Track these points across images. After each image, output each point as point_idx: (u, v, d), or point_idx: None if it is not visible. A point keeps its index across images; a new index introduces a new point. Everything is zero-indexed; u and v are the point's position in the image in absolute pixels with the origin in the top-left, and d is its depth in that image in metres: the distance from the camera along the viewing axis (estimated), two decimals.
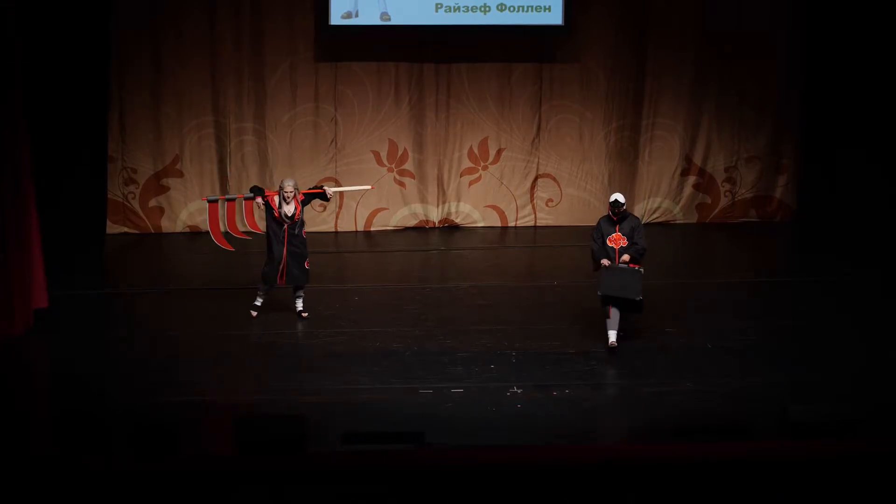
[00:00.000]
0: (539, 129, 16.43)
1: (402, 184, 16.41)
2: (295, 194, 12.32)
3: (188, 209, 16.08)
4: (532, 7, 15.67)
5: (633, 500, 7.67)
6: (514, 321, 12.73)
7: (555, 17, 15.73)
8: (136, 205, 16.00)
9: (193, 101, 15.84)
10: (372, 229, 16.46)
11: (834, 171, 16.30)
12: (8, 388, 10.99)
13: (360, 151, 16.24)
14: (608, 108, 16.40)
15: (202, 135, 15.97)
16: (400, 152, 16.31)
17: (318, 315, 12.77)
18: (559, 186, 16.62)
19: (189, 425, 9.66)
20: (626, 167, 16.59)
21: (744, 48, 16.29)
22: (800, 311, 13.12)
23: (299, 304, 12.66)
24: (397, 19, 15.61)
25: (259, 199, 12.37)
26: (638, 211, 16.66)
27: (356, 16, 15.54)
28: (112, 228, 16.00)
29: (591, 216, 16.53)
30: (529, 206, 16.67)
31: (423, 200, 16.50)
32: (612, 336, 11.65)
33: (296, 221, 12.33)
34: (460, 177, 16.49)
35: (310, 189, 12.87)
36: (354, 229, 16.44)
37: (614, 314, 11.67)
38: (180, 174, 16.04)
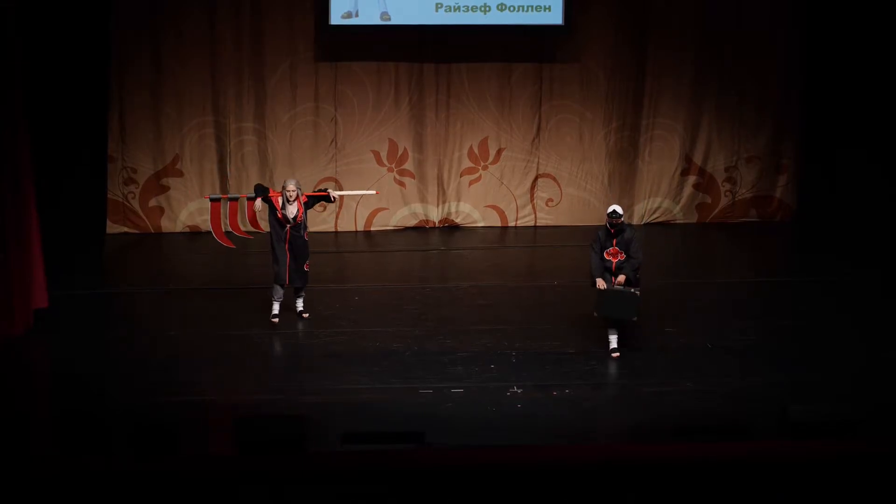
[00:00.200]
0: (539, 128, 16.43)
1: (402, 184, 16.41)
2: (298, 195, 12.23)
3: (188, 209, 16.08)
4: (532, 7, 15.67)
5: (633, 500, 7.67)
6: (514, 321, 12.73)
7: (555, 17, 15.73)
8: (135, 204, 16.00)
9: (193, 100, 15.83)
10: (372, 229, 16.46)
11: (834, 171, 16.29)
12: (8, 388, 10.99)
13: (360, 151, 16.24)
14: (608, 107, 16.39)
15: (202, 134, 15.97)
16: (400, 152, 16.31)
17: (319, 315, 12.77)
18: (559, 186, 16.62)
19: (189, 425, 9.64)
20: (626, 167, 16.59)
21: (744, 48, 16.28)
22: (800, 310, 13.12)
23: (299, 304, 12.64)
24: (397, 19, 15.60)
25: (259, 202, 12.25)
26: (638, 211, 16.66)
27: (356, 16, 15.54)
28: (112, 228, 16.00)
29: (591, 216, 16.58)
30: (529, 206, 16.67)
31: (423, 200, 16.50)
32: (614, 342, 11.64)
33: (298, 223, 12.25)
34: (460, 177, 16.49)
35: (314, 192, 12.83)
36: (354, 229, 16.43)
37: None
38: (180, 174, 16.04)
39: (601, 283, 11.53)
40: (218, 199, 12.83)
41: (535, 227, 16.68)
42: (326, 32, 15.70)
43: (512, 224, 16.67)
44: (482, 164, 16.49)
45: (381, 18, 15.58)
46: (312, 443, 8.48)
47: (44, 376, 11.76)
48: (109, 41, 15.45)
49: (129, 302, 13.54)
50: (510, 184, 16.56)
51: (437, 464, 7.86)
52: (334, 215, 16.28)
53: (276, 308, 12.43)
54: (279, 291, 12.40)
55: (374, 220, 16.45)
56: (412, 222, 16.54)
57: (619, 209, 11.62)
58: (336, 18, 15.51)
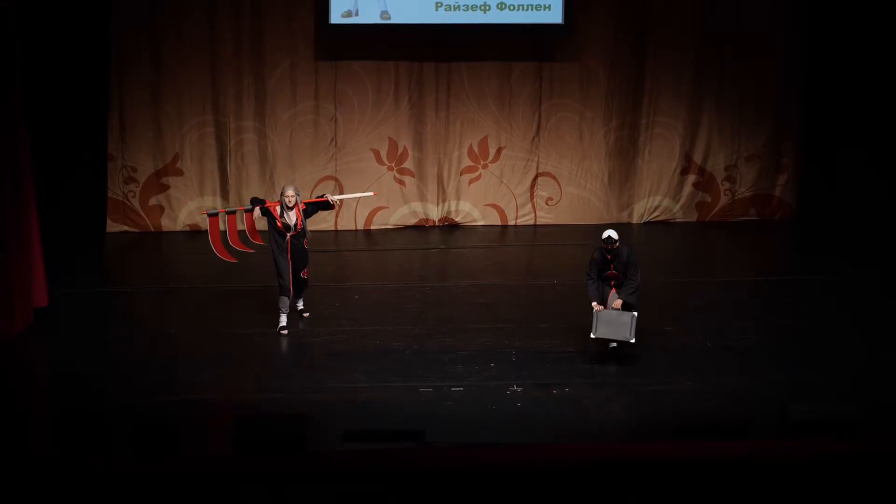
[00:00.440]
0: (539, 127, 16.43)
1: (401, 182, 16.41)
2: (296, 201, 12.08)
3: (188, 208, 16.08)
4: (532, 6, 15.67)
5: (633, 499, 7.67)
6: (514, 320, 12.73)
7: (555, 16, 15.72)
8: (136, 203, 16.00)
9: (193, 99, 15.83)
10: (372, 228, 16.46)
11: (834, 170, 16.30)
12: (8, 387, 10.99)
13: (360, 150, 16.24)
14: (608, 106, 16.39)
15: (202, 133, 15.97)
16: (400, 151, 16.31)
17: (318, 314, 12.77)
18: (559, 185, 16.62)
19: (189, 425, 9.65)
20: (625, 166, 16.59)
21: (744, 48, 16.28)
22: (800, 310, 13.12)
23: (300, 304, 12.61)
24: (397, 18, 15.60)
25: (258, 211, 12.10)
26: (638, 210, 16.67)
27: (356, 14, 15.54)
28: (112, 227, 16.00)
29: (590, 215, 16.59)
30: (529, 205, 16.67)
31: (422, 199, 16.50)
32: (613, 342, 11.63)
33: (298, 231, 12.09)
34: (460, 175, 16.49)
35: (312, 199, 12.72)
36: (354, 228, 16.44)
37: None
38: (180, 173, 16.04)
39: (598, 307, 11.49)
40: (216, 214, 12.64)
41: (534, 225, 16.68)
42: (326, 31, 15.69)
43: (512, 223, 16.67)
44: (482, 162, 16.49)
45: (382, 17, 15.58)
46: (312, 442, 8.48)
47: (43, 376, 11.76)
48: (109, 40, 15.45)
49: (129, 301, 13.54)
50: (510, 182, 16.57)
51: (437, 463, 7.86)
52: (334, 214, 16.28)
53: (283, 320, 12.27)
54: (286, 303, 12.25)
55: (374, 219, 16.45)
56: (412, 221, 16.54)
57: (614, 235, 11.49)
58: (336, 17, 15.51)
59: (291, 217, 12.09)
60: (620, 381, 11.26)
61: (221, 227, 12.54)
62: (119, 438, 8.55)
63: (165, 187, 16.05)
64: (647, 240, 16.02)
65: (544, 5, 15.67)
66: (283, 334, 12.23)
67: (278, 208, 12.10)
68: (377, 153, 16.26)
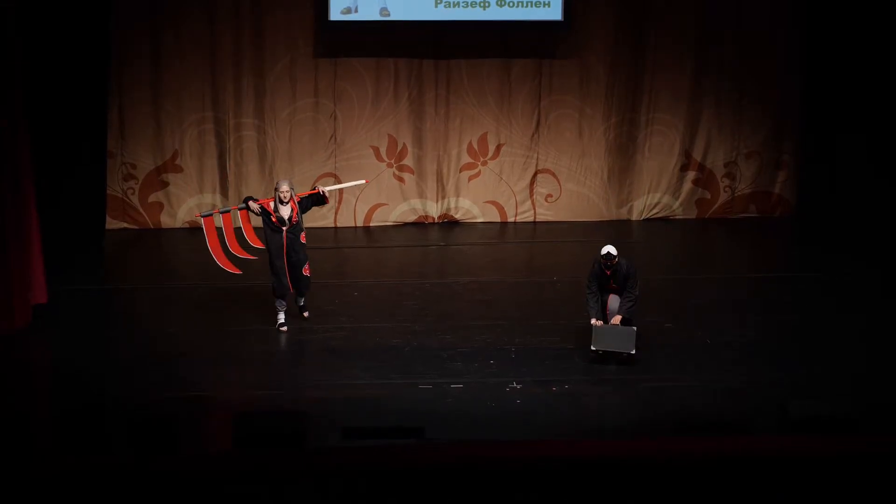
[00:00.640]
0: (538, 124, 16.42)
1: (401, 179, 16.41)
2: (291, 195, 12.01)
3: (188, 204, 16.08)
4: (531, 2, 15.66)
5: (633, 495, 7.67)
6: (514, 317, 12.73)
7: (554, 13, 15.71)
8: (135, 200, 16.00)
9: (193, 96, 15.82)
10: (371, 225, 16.45)
11: (834, 167, 16.29)
12: (7, 385, 10.98)
13: (360, 147, 16.24)
14: (608, 103, 16.38)
15: (202, 130, 15.96)
16: (399, 148, 16.31)
17: (318, 310, 12.76)
18: (558, 182, 16.62)
19: (189, 422, 9.66)
20: (625, 162, 16.58)
21: (744, 46, 16.27)
22: (800, 306, 13.12)
23: (300, 302, 12.52)
24: (397, 14, 15.59)
25: (254, 205, 12.01)
26: (637, 207, 16.66)
27: (356, 11, 15.53)
28: (111, 224, 16.00)
29: (590, 212, 16.59)
30: (529, 202, 16.66)
31: (422, 196, 16.49)
32: None
33: (293, 225, 12.01)
34: (459, 172, 16.49)
35: (305, 192, 12.64)
36: (353, 225, 16.43)
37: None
38: (180, 169, 16.04)
39: (597, 323, 11.48)
40: (209, 215, 12.48)
41: (534, 222, 16.67)
42: (326, 28, 15.68)
43: (511, 220, 16.66)
44: (481, 159, 16.48)
45: (381, 14, 15.57)
46: (312, 438, 8.48)
47: (43, 373, 11.74)
48: (109, 37, 15.44)
49: (128, 298, 13.54)
50: (509, 179, 16.56)
51: (436, 459, 7.86)
52: (333, 211, 16.28)
53: (281, 317, 12.26)
54: (282, 302, 12.25)
55: (374, 216, 16.45)
56: (411, 218, 16.54)
57: (613, 251, 11.44)
58: (335, 14, 15.49)
59: (286, 211, 12.00)
60: (620, 378, 11.25)
61: (217, 224, 12.44)
62: (119, 436, 8.55)
63: (165, 184, 16.04)
64: (647, 237, 16.02)
65: (544, 2, 15.66)
66: (282, 331, 12.22)
67: (272, 203, 12.02)
68: (376, 150, 16.26)
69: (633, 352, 11.33)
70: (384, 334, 12.19)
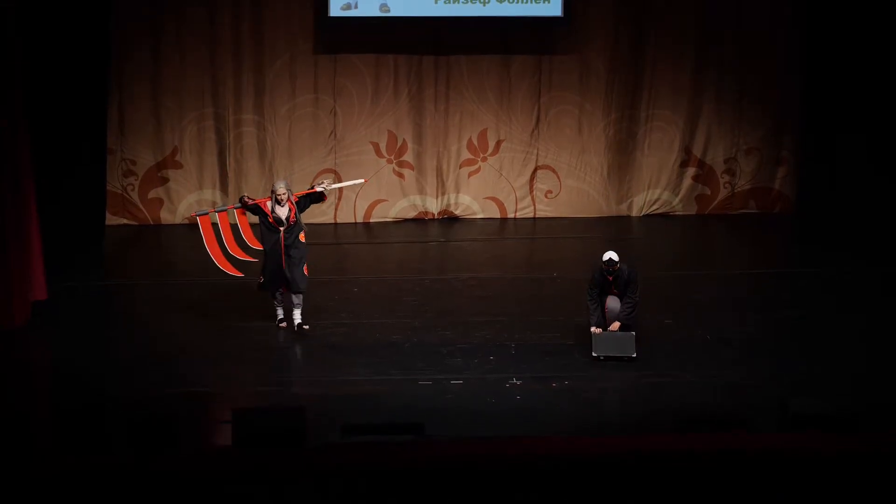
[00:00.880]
0: (538, 120, 16.42)
1: (401, 175, 16.40)
2: (288, 196, 11.77)
3: (187, 201, 16.07)
4: None
5: (633, 491, 7.68)
6: (514, 313, 12.73)
7: (554, 9, 15.71)
8: (135, 196, 16.00)
9: (193, 92, 15.82)
10: (371, 221, 16.45)
11: (833, 163, 16.29)
12: (7, 383, 10.97)
13: (360, 143, 16.24)
14: (607, 99, 16.38)
15: (201, 126, 15.96)
16: (399, 144, 16.31)
17: (318, 307, 12.75)
18: (558, 178, 16.62)
19: (189, 420, 9.66)
20: (625, 159, 16.58)
21: (744, 42, 16.26)
22: (799, 303, 13.11)
23: (297, 317, 12.06)
24: (397, 11, 15.59)
25: (249, 201, 11.87)
26: (637, 203, 16.66)
27: (355, 7, 15.52)
28: (111, 220, 15.99)
29: (590, 208, 16.58)
30: (529, 198, 16.66)
31: (422, 192, 16.49)
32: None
33: (291, 225, 11.80)
34: (459, 168, 16.48)
35: (303, 191, 12.54)
36: (353, 221, 16.43)
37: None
38: (179, 166, 16.03)
39: (597, 331, 11.47)
40: (205, 214, 12.36)
41: (534, 218, 16.67)
42: (326, 24, 15.67)
43: (511, 216, 16.66)
44: (481, 155, 16.48)
45: (381, 10, 15.56)
46: (312, 435, 8.49)
47: (42, 371, 11.73)
48: (109, 33, 15.43)
49: (128, 294, 13.53)
50: (509, 175, 16.56)
51: (436, 455, 7.87)
52: (333, 207, 16.28)
53: (280, 312, 12.18)
54: (279, 298, 12.14)
55: (374, 212, 16.45)
56: (411, 214, 16.53)
57: (615, 257, 11.40)
58: (335, 10, 15.49)
59: (283, 212, 11.79)
60: (619, 374, 11.25)
61: (213, 220, 12.36)
62: (118, 434, 8.56)
63: (165, 180, 16.04)
64: (647, 233, 16.02)
65: None
66: (281, 327, 12.20)
67: (269, 203, 11.82)
68: (376, 146, 16.26)
69: (635, 355, 11.32)
70: (384, 330, 12.19)
